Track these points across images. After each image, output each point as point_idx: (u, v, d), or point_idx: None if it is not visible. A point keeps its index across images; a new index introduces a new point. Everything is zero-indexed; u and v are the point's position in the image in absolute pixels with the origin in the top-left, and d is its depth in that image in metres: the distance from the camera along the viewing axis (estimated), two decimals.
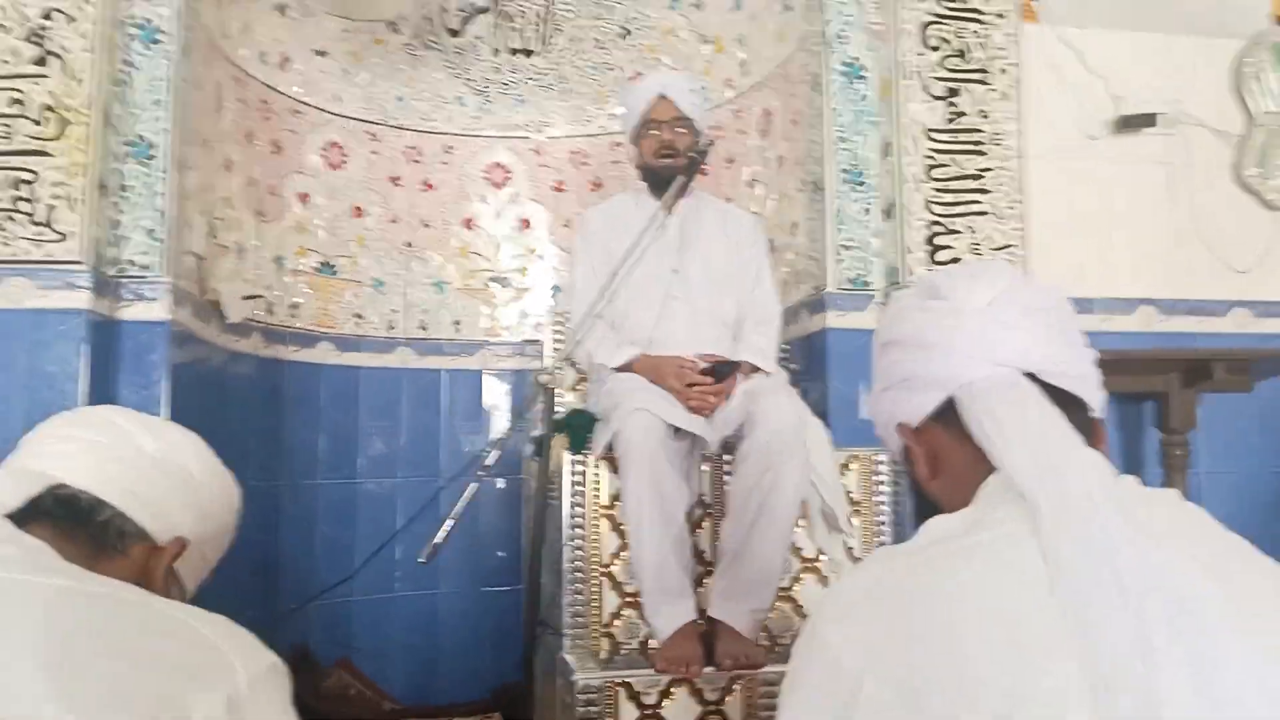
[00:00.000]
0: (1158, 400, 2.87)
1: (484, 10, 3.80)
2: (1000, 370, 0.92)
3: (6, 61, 2.44)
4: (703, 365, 2.53)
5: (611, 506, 2.44)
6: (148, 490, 1.03)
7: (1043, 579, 0.76)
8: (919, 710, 0.73)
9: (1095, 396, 0.95)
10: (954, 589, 0.79)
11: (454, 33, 3.81)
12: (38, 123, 2.43)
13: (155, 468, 1.05)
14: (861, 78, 2.96)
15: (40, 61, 2.45)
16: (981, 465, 0.90)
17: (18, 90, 2.43)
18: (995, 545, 0.81)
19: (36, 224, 2.41)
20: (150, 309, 2.55)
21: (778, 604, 2.41)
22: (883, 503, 2.58)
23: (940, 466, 0.98)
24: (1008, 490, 0.85)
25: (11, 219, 2.41)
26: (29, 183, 2.42)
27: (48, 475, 0.99)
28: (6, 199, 2.41)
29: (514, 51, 3.86)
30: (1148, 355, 2.80)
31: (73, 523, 0.97)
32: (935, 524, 0.88)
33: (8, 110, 2.42)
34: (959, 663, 0.74)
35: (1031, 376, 0.92)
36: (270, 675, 0.84)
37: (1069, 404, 0.91)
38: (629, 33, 3.81)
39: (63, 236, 2.41)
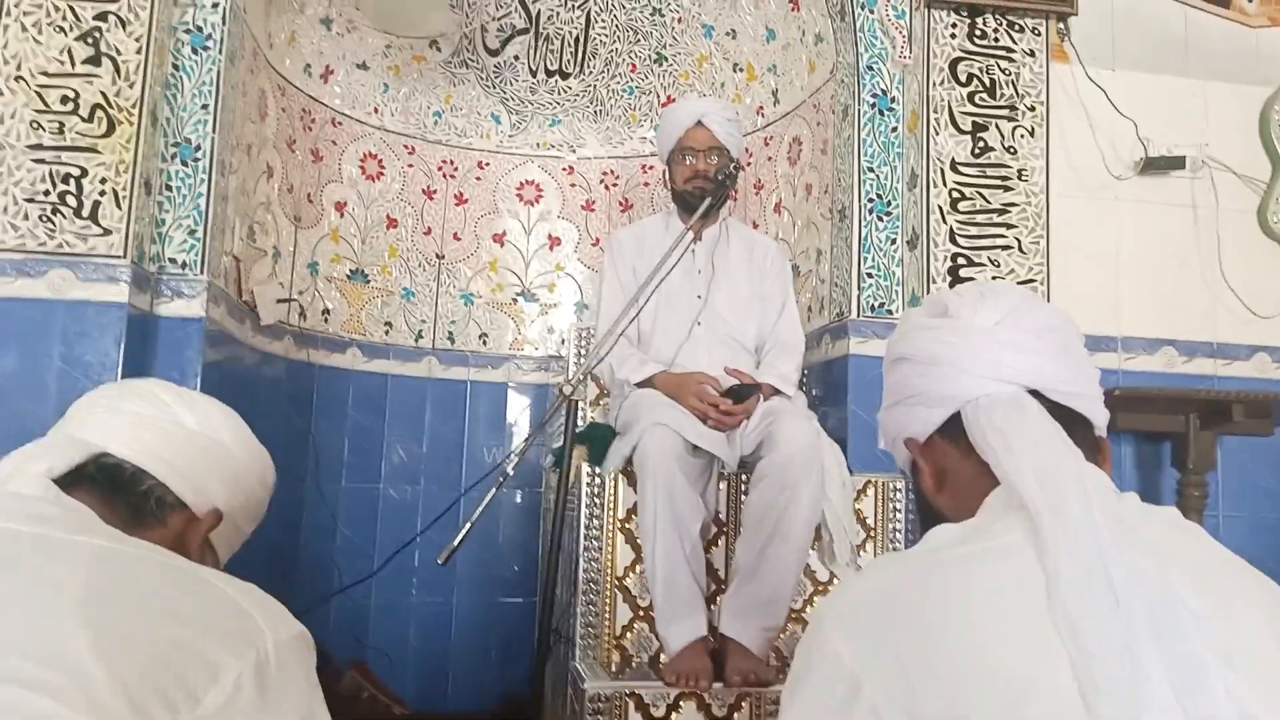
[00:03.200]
0: (1176, 440, 2.88)
1: (523, 32, 3.88)
2: (1006, 387, 0.94)
3: (61, 61, 2.52)
4: (725, 384, 2.56)
5: (628, 520, 2.47)
6: (187, 463, 1.06)
7: (1041, 587, 0.78)
8: (917, 713, 0.75)
9: (1099, 414, 0.97)
10: (954, 595, 0.81)
11: (493, 52, 3.89)
12: (88, 120, 2.51)
13: (194, 441, 1.08)
14: (891, 110, 3.00)
15: (93, 61, 2.53)
16: (986, 479, 0.92)
17: (70, 89, 2.52)
18: (996, 553, 0.83)
19: (82, 218, 2.49)
20: (187, 306, 2.61)
21: (789, 624, 2.42)
22: (898, 529, 2.61)
23: (946, 480, 1.00)
24: (1010, 502, 0.87)
25: (58, 212, 2.48)
26: (77, 178, 2.49)
27: (92, 444, 1.02)
28: (55, 193, 2.49)
29: (550, 73, 3.94)
30: (1168, 394, 2.81)
31: (114, 490, 1.01)
32: (938, 532, 0.89)
33: (60, 108, 2.51)
34: (957, 666, 0.76)
35: (1036, 394, 0.94)
36: (297, 643, 0.87)
37: (1073, 421, 0.94)
38: (663, 59, 3.88)
39: (106, 232, 2.49)
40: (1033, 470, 0.86)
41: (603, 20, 3.86)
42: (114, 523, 0.94)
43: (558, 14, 3.85)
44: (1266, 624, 0.80)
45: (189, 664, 0.78)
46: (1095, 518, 0.81)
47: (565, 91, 3.97)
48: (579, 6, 3.84)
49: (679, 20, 3.78)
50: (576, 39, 3.89)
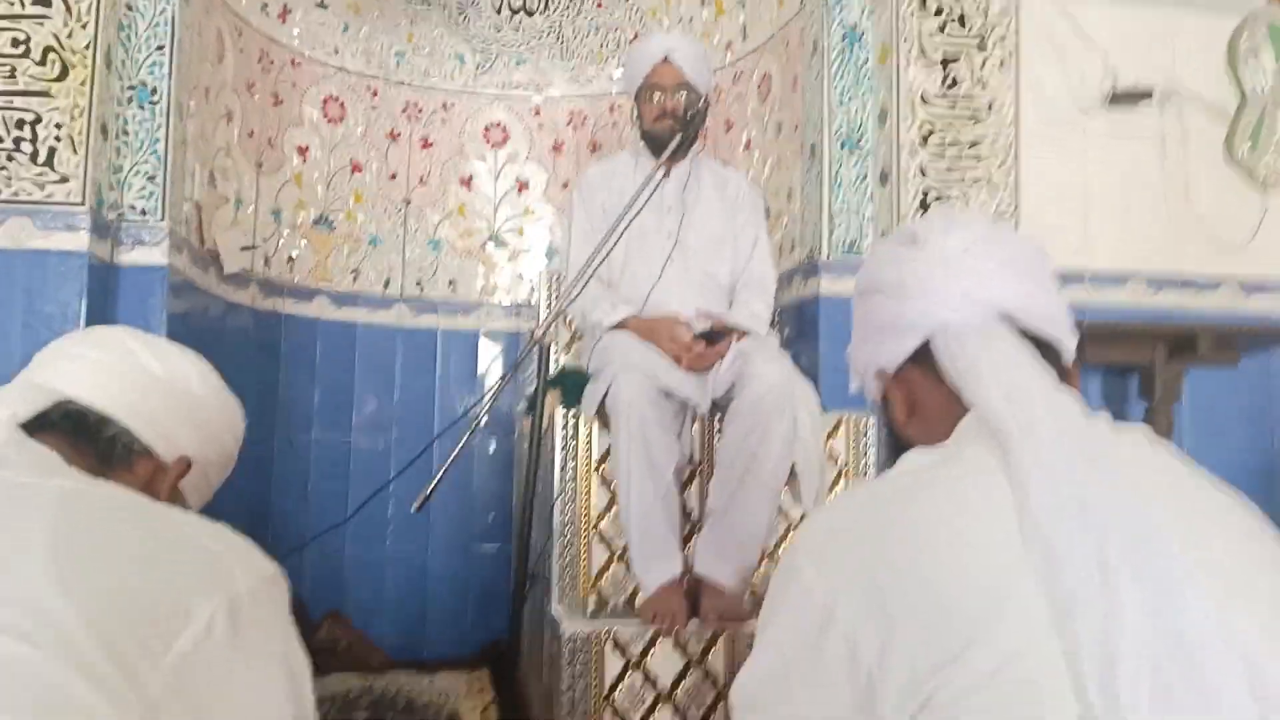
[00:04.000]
0: (1143, 372, 2.90)
1: None
2: (975, 313, 0.94)
3: (10, 3, 2.44)
4: (698, 328, 2.55)
5: (602, 463, 2.47)
6: (154, 409, 1.05)
7: (1011, 509, 0.78)
8: (890, 636, 0.75)
9: (1068, 341, 0.98)
10: (924, 518, 0.81)
11: None
12: (40, 64, 2.44)
13: (161, 388, 1.07)
14: (860, 43, 2.97)
15: (43, 2, 2.45)
16: (956, 406, 0.92)
17: (20, 31, 2.44)
18: (965, 476, 0.84)
19: (38, 165, 2.43)
20: (149, 254, 2.57)
21: (763, 563, 2.45)
22: (868, 465, 2.63)
23: (916, 410, 1.00)
24: (981, 428, 0.87)
25: (13, 159, 2.42)
26: (31, 124, 2.43)
27: (57, 390, 1.01)
28: (9, 140, 2.42)
29: (515, 10, 3.86)
30: (1134, 327, 2.82)
31: (79, 436, 0.99)
32: (909, 458, 0.90)
33: (11, 51, 2.43)
34: (928, 589, 0.77)
35: (1006, 321, 0.94)
36: (270, 583, 0.86)
37: (1043, 348, 0.94)
38: None
39: (64, 178, 2.43)
40: (1002, 393, 0.86)
41: None
42: (80, 467, 0.93)
43: None
44: (1236, 538, 0.81)
45: (161, 605, 0.77)
46: (1066, 438, 0.81)
47: (531, 29, 3.89)
48: None
49: None
50: None
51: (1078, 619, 0.72)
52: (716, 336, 2.51)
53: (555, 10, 3.87)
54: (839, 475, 2.58)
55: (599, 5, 3.85)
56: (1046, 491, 0.78)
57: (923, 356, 0.97)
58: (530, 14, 3.87)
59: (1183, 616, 0.72)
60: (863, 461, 2.61)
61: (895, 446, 1.05)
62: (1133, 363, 2.90)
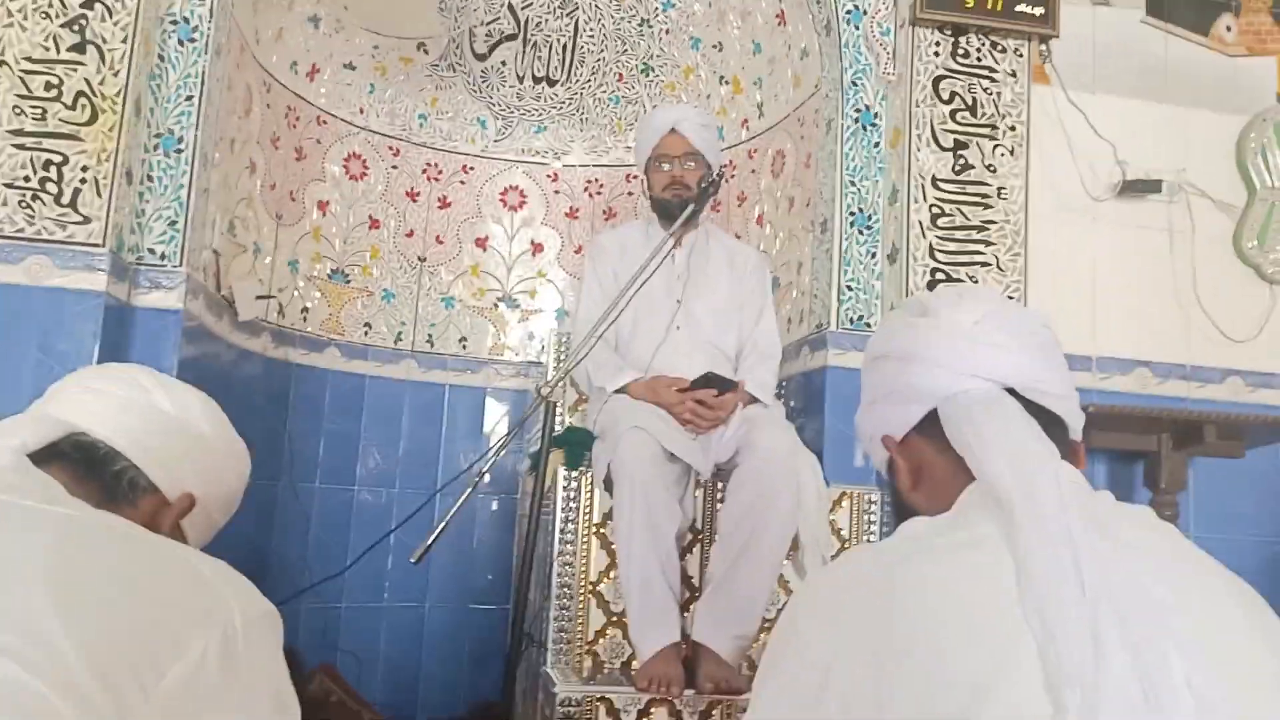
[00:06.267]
0: (1149, 460, 2.90)
1: (511, 37, 3.89)
2: (983, 384, 0.95)
3: (46, 48, 2.51)
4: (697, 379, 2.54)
5: (603, 525, 2.47)
6: (161, 447, 1.06)
7: (1011, 577, 0.78)
8: (887, 701, 0.75)
9: (1075, 417, 0.98)
10: (925, 585, 0.81)
11: (480, 57, 3.90)
12: (71, 108, 2.50)
13: (171, 426, 1.08)
14: (874, 125, 3.03)
15: (78, 49, 2.52)
16: (961, 476, 0.92)
17: (55, 75, 2.51)
18: (967, 544, 0.84)
19: (62, 205, 2.47)
20: (165, 298, 2.60)
21: (762, 634, 2.42)
22: (873, 539, 2.61)
23: (922, 477, 1.00)
24: (985, 497, 0.87)
25: (38, 198, 2.47)
26: (58, 165, 2.48)
27: (68, 422, 1.02)
28: (35, 179, 2.47)
29: (537, 79, 3.95)
30: (1140, 413, 2.83)
31: (87, 469, 1.00)
32: (912, 525, 0.90)
33: (43, 94, 2.50)
34: (926, 655, 0.76)
35: (1013, 394, 0.95)
36: (265, 620, 0.86)
37: (1049, 423, 0.94)
38: (650, 69, 3.90)
39: (86, 220, 2.47)
40: (1006, 462, 0.87)
41: (591, 29, 3.87)
42: (84, 499, 0.94)
43: (546, 21, 3.87)
44: (1234, 618, 0.80)
45: (155, 637, 0.78)
46: (1067, 508, 0.82)
47: (552, 99, 3.98)
48: (568, 14, 3.85)
49: (667, 31, 3.81)
50: (565, 46, 3.91)
51: (1069, 692, 0.72)
52: (715, 381, 2.50)
53: (576, 81, 3.96)
54: (841, 549, 2.57)
55: (619, 79, 3.94)
56: (1046, 561, 0.78)
57: (929, 425, 0.98)
58: (552, 84, 3.96)
59: (1171, 692, 0.72)
60: (866, 536, 2.60)
61: (900, 514, 1.05)
62: (1138, 450, 2.90)
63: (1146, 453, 2.87)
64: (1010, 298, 2.94)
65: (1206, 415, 2.80)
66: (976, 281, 2.93)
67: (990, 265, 2.96)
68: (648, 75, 3.91)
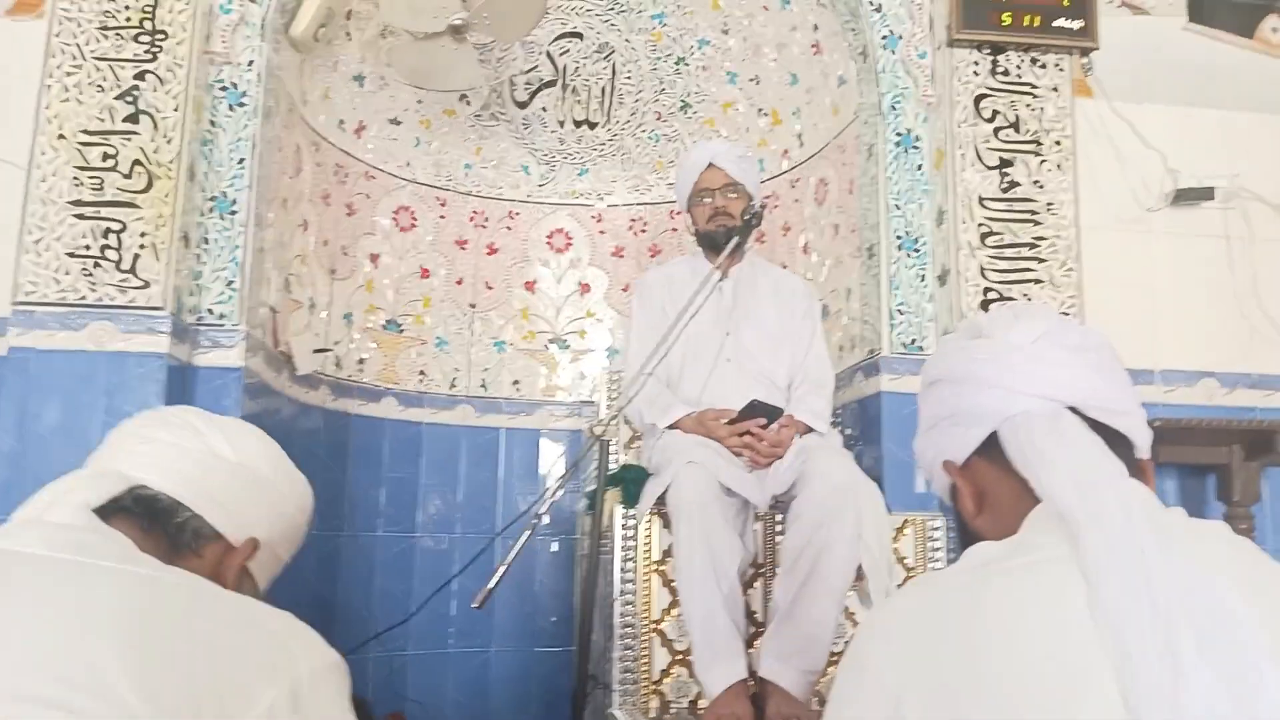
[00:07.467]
0: (1220, 472, 2.82)
1: (550, 84, 3.95)
2: (1044, 404, 0.93)
3: (101, 120, 2.60)
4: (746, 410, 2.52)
5: (663, 562, 2.45)
6: (223, 493, 1.06)
7: (1083, 601, 0.77)
8: None
9: (1141, 434, 0.96)
10: (994, 610, 0.80)
11: (521, 104, 3.97)
12: (127, 176, 2.58)
13: (230, 471, 1.08)
14: (915, 148, 3.02)
15: (132, 120, 2.61)
16: (1026, 498, 0.91)
17: (111, 146, 2.59)
18: (1036, 566, 0.82)
19: (122, 271, 2.55)
20: (225, 356, 2.66)
21: (830, 667, 2.38)
22: (938, 568, 2.57)
23: (985, 501, 0.99)
24: (1051, 519, 0.86)
25: (99, 265, 2.55)
26: (117, 232, 2.56)
27: (129, 476, 1.03)
28: (95, 247, 2.55)
29: (578, 123, 4.00)
30: (1209, 424, 2.76)
31: (151, 522, 1.02)
32: (978, 549, 0.89)
33: (101, 165, 2.58)
34: (998, 683, 0.75)
35: (1075, 412, 0.93)
36: (332, 671, 0.87)
37: (1114, 441, 0.92)
38: (688, 106, 3.93)
39: (146, 284, 2.54)
40: (1073, 482, 0.85)
41: (628, 70, 3.92)
42: (152, 553, 0.95)
43: (584, 66, 3.92)
44: None
45: (223, 691, 0.79)
46: (1137, 526, 0.80)
47: (593, 141, 4.03)
48: (605, 58, 3.91)
49: (704, 68, 3.84)
50: (603, 89, 3.96)
51: (1144, 709, 0.70)
52: (760, 411, 2.48)
53: (616, 123, 4.00)
54: (906, 577, 2.52)
55: (658, 118, 3.98)
56: (1116, 580, 0.76)
57: (991, 447, 0.96)
58: (592, 126, 4.01)
59: (1261, 697, 0.70)
60: (932, 563, 2.55)
61: (965, 540, 1.03)
62: (1209, 463, 2.83)
63: (1217, 465, 2.80)
64: (1066, 314, 2.90)
65: (1277, 424, 2.72)
66: (1030, 300, 2.89)
67: (1044, 282, 2.92)
68: (686, 112, 3.95)
